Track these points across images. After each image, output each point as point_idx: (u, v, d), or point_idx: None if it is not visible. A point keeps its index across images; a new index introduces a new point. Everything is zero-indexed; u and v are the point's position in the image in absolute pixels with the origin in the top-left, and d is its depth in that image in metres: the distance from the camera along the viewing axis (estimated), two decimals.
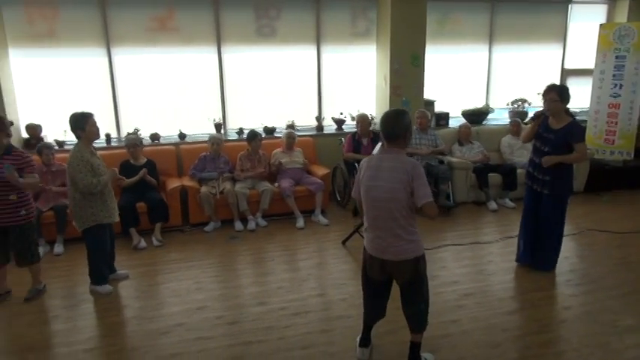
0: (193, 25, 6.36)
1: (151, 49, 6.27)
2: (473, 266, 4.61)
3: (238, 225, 5.66)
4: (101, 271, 4.20)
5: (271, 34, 6.69)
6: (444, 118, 7.29)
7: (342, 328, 3.55)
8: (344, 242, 5.15)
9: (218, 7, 6.36)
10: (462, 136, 6.79)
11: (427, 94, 7.08)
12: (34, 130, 5.84)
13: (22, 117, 5.95)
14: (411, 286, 2.90)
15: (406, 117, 2.78)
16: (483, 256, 4.83)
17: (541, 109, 4.26)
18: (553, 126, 4.12)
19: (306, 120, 7.01)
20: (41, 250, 4.99)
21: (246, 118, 6.77)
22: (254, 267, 4.78)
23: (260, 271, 4.66)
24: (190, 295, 4.12)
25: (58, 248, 5.08)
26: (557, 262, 4.45)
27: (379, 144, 3.73)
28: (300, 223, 5.74)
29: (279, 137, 6.43)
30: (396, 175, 2.70)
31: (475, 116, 7.45)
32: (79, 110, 4.00)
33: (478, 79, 7.71)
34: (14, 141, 5.62)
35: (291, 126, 6.73)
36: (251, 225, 5.67)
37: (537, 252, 4.43)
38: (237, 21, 6.49)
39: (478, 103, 7.65)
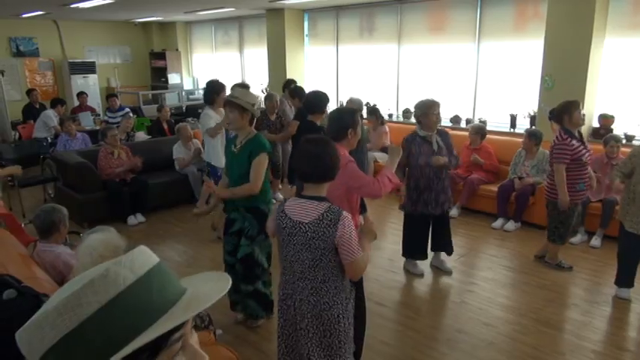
0: None
1: None
2: None
3: None
4: (627, 275, 3.96)
5: None
6: None
7: None
8: None
9: None
10: None
11: None
12: (606, 120, 5.86)
13: (597, 107, 6.05)
14: None
15: None
16: None
17: None
18: None
19: None
20: (578, 237, 5.17)
21: None
22: None
23: None
24: None
25: (596, 241, 5.08)
26: None
27: None
28: None
29: None
30: None
31: None
32: None
33: None
34: (585, 129, 5.88)
35: None
36: None
37: None
38: None
39: None
